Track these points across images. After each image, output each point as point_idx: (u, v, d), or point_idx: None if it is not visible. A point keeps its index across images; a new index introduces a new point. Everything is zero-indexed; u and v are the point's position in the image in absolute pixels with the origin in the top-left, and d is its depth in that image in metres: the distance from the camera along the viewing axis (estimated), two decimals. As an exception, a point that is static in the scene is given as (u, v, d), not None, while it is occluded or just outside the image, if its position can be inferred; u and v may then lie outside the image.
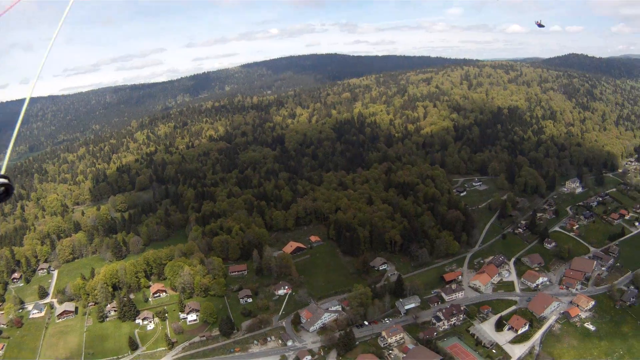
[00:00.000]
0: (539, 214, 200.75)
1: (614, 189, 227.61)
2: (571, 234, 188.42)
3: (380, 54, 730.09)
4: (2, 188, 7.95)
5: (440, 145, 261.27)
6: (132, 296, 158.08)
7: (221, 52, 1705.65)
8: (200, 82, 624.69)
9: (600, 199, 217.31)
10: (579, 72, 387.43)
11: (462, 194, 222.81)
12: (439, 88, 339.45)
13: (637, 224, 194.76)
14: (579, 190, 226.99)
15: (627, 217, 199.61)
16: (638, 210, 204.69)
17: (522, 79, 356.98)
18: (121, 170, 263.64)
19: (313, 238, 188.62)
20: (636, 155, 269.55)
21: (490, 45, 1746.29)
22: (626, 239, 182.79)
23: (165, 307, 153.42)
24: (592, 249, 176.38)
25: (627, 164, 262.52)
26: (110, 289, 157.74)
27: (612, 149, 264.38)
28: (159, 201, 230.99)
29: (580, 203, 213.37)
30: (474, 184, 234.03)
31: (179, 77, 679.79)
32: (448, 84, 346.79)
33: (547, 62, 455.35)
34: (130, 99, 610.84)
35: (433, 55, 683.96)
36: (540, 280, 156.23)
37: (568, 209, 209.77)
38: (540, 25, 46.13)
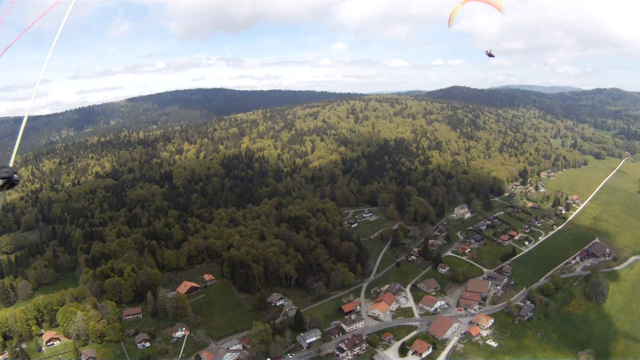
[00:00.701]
0: (430, 241, 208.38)
1: (502, 212, 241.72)
2: (464, 258, 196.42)
3: (265, 89, 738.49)
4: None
5: (329, 178, 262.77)
6: (24, 346, 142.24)
7: (107, 85, 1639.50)
8: (85, 116, 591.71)
9: (490, 222, 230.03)
10: (462, 104, 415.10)
11: (353, 226, 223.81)
12: (325, 122, 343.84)
13: (526, 243, 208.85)
14: (468, 215, 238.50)
15: (516, 238, 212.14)
16: (526, 231, 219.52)
17: (407, 111, 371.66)
18: (5, 209, 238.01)
19: (207, 277, 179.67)
20: (521, 180, 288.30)
21: (374, 79, 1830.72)
22: (518, 258, 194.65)
23: (60, 357, 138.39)
24: (485, 270, 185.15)
25: (512, 187, 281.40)
26: (0, 339, 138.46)
27: (498, 175, 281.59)
28: (47, 242, 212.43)
29: (470, 227, 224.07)
30: (364, 215, 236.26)
31: (64, 110, 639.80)
32: (335, 118, 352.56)
33: (430, 95, 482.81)
34: (15, 132, 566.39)
35: (318, 89, 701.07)
36: (438, 303, 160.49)
37: (459, 234, 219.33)
38: (490, 55, 44.37)
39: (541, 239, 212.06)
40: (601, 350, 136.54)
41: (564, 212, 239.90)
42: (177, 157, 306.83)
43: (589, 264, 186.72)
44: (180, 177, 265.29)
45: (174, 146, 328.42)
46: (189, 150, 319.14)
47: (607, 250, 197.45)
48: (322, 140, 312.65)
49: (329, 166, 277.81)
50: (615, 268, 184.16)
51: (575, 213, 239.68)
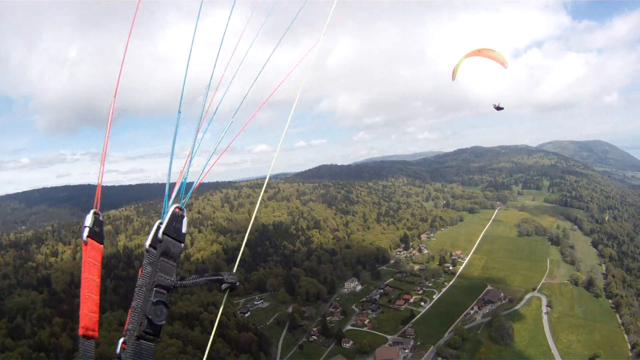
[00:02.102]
0: (328, 318, 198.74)
1: (392, 279, 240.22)
2: (365, 329, 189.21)
3: (133, 183, 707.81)
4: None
5: (213, 269, 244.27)
6: None
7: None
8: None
9: (382, 290, 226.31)
10: (332, 181, 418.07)
11: (246, 315, 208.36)
12: (201, 213, 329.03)
13: (422, 303, 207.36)
14: (359, 287, 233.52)
15: (411, 301, 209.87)
16: (419, 292, 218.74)
17: (281, 194, 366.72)
18: None
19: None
20: (403, 245, 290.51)
21: (239, 165, 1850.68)
22: (418, 320, 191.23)
23: None
24: (389, 337, 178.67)
25: (396, 254, 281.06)
26: None
27: (380, 244, 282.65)
28: None
29: (364, 299, 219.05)
30: (255, 302, 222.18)
31: None
32: (210, 208, 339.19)
33: (301, 176, 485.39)
34: None
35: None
36: None
37: (354, 307, 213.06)
38: (498, 108, 42.22)
39: (436, 297, 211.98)
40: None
41: (451, 268, 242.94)
42: (52, 259, 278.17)
43: (487, 311, 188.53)
44: (59, 281, 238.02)
45: (48, 248, 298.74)
46: (65, 251, 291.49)
47: (502, 294, 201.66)
48: (200, 232, 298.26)
49: (211, 257, 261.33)
50: (515, 308, 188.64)
51: (462, 267, 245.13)
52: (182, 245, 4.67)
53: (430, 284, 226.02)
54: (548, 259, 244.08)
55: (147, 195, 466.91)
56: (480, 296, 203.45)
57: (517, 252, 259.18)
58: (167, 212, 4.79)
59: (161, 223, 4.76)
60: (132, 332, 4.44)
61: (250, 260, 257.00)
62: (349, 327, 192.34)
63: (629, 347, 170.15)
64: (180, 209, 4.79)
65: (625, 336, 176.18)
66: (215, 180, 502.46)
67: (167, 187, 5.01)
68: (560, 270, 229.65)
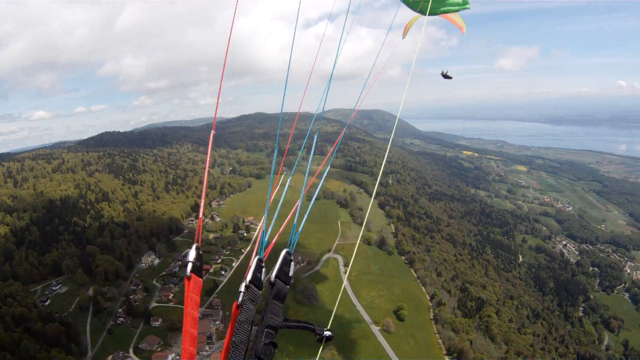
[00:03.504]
0: (131, 297, 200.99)
1: (188, 250, 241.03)
2: (171, 305, 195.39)
3: None
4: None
5: (4, 255, 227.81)
6: None
7: None
8: None
9: (180, 262, 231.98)
10: (118, 149, 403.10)
11: (46, 303, 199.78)
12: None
13: (223, 272, 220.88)
14: (157, 261, 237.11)
15: (211, 271, 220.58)
16: (218, 262, 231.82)
17: (65, 166, 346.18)
18: None
19: None
20: (195, 214, 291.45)
21: (16, 134, 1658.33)
22: (221, 289, 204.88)
23: None
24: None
25: (189, 223, 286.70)
26: None
27: (173, 214, 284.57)
28: None
29: (164, 273, 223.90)
30: (54, 288, 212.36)
31: None
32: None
33: (84, 144, 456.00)
34: None
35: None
36: (169, 358, 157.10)
37: (155, 282, 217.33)
38: (446, 77, 46.33)
39: (235, 264, 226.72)
40: (341, 342, 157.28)
41: (245, 234, 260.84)
42: None
43: None
44: None
45: None
46: None
47: (300, 257, 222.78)
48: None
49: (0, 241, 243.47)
50: (315, 269, 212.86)
51: (255, 233, 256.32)
52: (288, 288, 5.76)
53: (228, 252, 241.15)
54: (339, 221, 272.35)
55: None
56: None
57: (309, 216, 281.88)
58: (263, 249, 6.01)
59: (260, 259, 5.90)
60: None
61: (41, 241, 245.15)
62: (154, 304, 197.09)
63: (428, 297, 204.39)
64: (290, 253, 5.99)
65: (423, 288, 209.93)
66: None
67: (264, 219, 6.51)
68: (352, 232, 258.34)
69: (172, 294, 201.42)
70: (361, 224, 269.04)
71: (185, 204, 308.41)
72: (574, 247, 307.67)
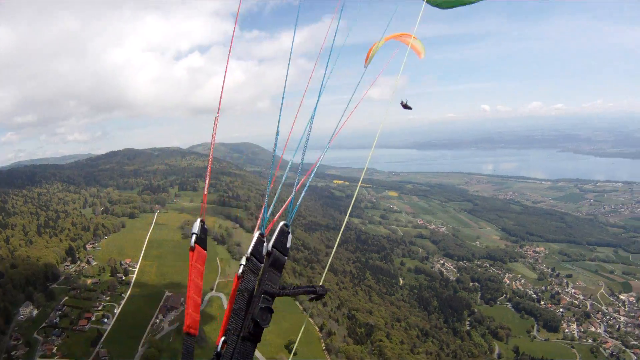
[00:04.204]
0: (12, 353, 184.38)
1: (67, 297, 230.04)
2: (56, 359, 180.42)
3: None
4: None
5: None
6: None
7: None
8: None
9: (60, 312, 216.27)
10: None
11: None
12: None
13: (105, 320, 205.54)
14: (35, 312, 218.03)
15: (93, 319, 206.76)
16: (99, 309, 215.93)
17: None
18: None
19: None
20: (70, 258, 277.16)
21: None
22: (106, 338, 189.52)
23: None
24: None
25: (65, 269, 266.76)
26: None
27: (47, 259, 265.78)
28: None
29: (44, 324, 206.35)
30: None
31: None
32: None
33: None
34: None
35: None
36: None
37: (35, 334, 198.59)
38: (406, 107, 39.22)
39: (117, 311, 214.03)
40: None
41: (124, 278, 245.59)
42: None
43: (173, 317, 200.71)
44: None
45: None
46: None
47: (182, 298, 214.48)
48: None
49: None
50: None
51: (134, 276, 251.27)
52: (286, 258, 6.13)
53: (108, 298, 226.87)
54: (217, 258, 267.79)
55: None
56: (161, 303, 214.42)
57: (186, 255, 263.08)
58: (265, 225, 6.23)
59: (261, 234, 6.16)
60: (233, 332, 5.24)
61: None
62: (38, 359, 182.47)
63: (317, 328, 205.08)
64: (287, 225, 6.15)
65: (311, 320, 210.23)
66: None
67: (266, 198, 6.50)
68: (232, 269, 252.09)
69: (55, 347, 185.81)
70: (239, 260, 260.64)
71: (59, 247, 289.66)
72: (452, 265, 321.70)
